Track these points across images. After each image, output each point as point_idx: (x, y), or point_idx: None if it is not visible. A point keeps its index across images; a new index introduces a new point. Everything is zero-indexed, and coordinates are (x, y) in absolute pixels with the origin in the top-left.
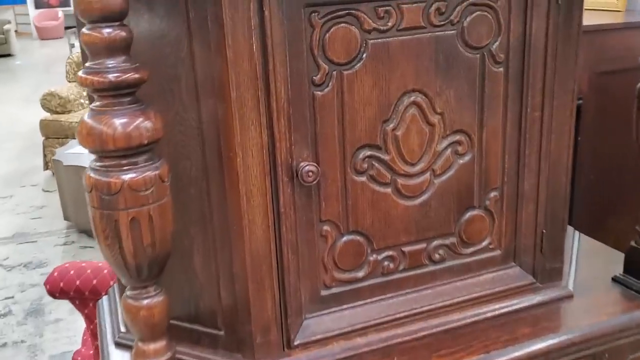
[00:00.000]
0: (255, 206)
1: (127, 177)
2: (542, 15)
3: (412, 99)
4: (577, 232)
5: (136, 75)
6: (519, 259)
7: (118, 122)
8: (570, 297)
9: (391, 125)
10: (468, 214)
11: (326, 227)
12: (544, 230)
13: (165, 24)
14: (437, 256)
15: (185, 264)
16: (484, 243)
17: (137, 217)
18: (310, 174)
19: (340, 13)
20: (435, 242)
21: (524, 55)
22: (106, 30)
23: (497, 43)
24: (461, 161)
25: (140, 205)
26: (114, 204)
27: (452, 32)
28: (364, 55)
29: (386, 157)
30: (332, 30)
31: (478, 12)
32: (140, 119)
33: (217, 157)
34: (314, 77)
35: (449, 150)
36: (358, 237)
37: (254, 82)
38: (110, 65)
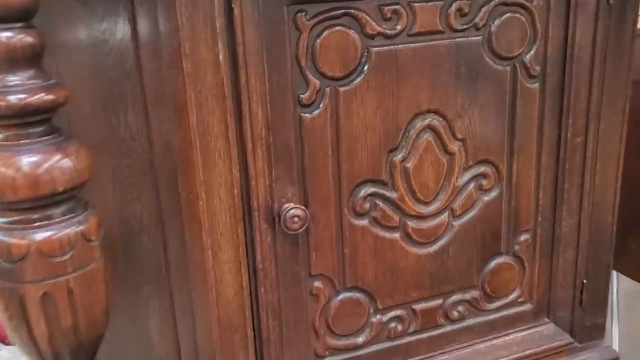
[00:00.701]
0: (224, 262)
1: (36, 237)
2: (588, 18)
3: (426, 122)
4: (614, 272)
5: (50, 97)
6: (553, 314)
7: (23, 161)
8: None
9: (400, 156)
10: (494, 262)
11: (317, 284)
12: (585, 281)
13: (105, 25)
14: (455, 314)
15: (138, 330)
16: (512, 296)
17: (51, 293)
18: (297, 219)
19: (335, 13)
20: (454, 297)
21: (565, 67)
22: (4, 35)
23: (532, 52)
24: (486, 198)
25: (56, 275)
26: (19, 275)
27: (477, 38)
28: (366, 67)
29: (393, 195)
30: (324, 34)
31: (509, 14)
32: (56, 157)
33: (174, 198)
34: (301, 95)
35: (471, 185)
36: (358, 295)
37: (221, 103)
38: (11, 83)
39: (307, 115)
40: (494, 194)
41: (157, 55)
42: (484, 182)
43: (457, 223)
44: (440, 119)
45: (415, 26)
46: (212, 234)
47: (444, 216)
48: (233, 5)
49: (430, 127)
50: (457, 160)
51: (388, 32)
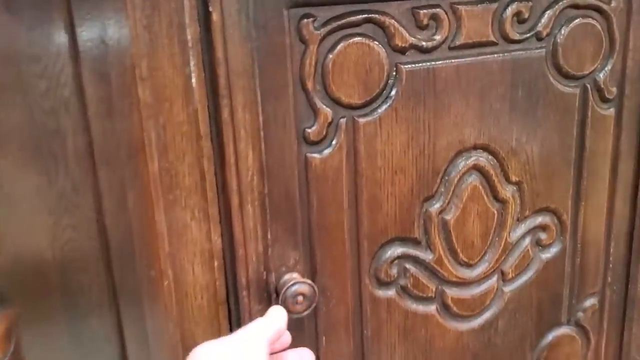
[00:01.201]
0: None
1: None
2: None
3: (472, 161)
4: None
5: None
6: None
7: None
8: None
9: (437, 206)
10: (552, 335)
11: None
12: None
13: (35, 36)
14: None
15: None
16: None
17: None
18: (301, 298)
19: (353, 19)
20: None
21: None
22: None
23: (608, 69)
24: (545, 256)
25: None
26: None
27: (539, 51)
28: (394, 91)
29: (429, 257)
30: (339, 48)
31: (579, 20)
32: None
33: (131, 274)
34: (308, 130)
35: (527, 241)
36: None
37: (194, 144)
38: None
39: (316, 155)
40: (554, 250)
41: (105, 78)
42: (543, 236)
43: (508, 289)
44: (490, 157)
45: (459, 36)
46: (183, 323)
47: (492, 281)
48: (210, 8)
49: (476, 168)
50: (510, 209)
51: (424, 44)
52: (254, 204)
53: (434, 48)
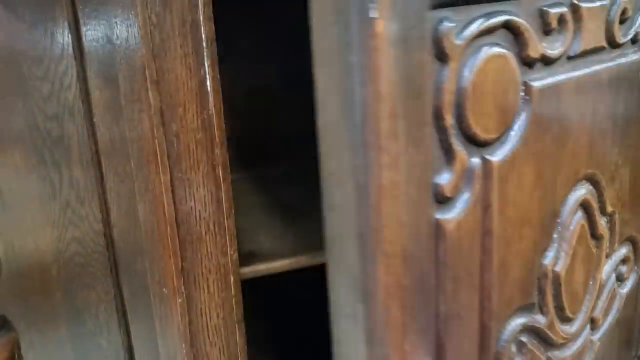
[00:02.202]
0: None
1: None
2: None
3: (579, 195)
4: None
5: None
6: None
7: None
8: None
9: (551, 257)
10: None
11: None
12: None
13: (38, 37)
14: None
15: None
16: None
17: None
18: None
19: (491, 23)
20: None
21: None
22: None
23: None
24: (623, 291)
25: None
26: None
27: (636, 56)
28: (523, 117)
29: (542, 322)
30: (478, 63)
31: None
32: None
33: (142, 291)
34: (440, 183)
35: (612, 278)
36: None
37: (209, 152)
38: None
39: (450, 217)
40: (630, 282)
41: (112, 81)
42: (624, 269)
43: (596, 337)
44: (591, 187)
45: (579, 42)
46: (198, 344)
47: (586, 332)
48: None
49: (583, 204)
50: (604, 245)
51: (549, 53)
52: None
53: (557, 59)
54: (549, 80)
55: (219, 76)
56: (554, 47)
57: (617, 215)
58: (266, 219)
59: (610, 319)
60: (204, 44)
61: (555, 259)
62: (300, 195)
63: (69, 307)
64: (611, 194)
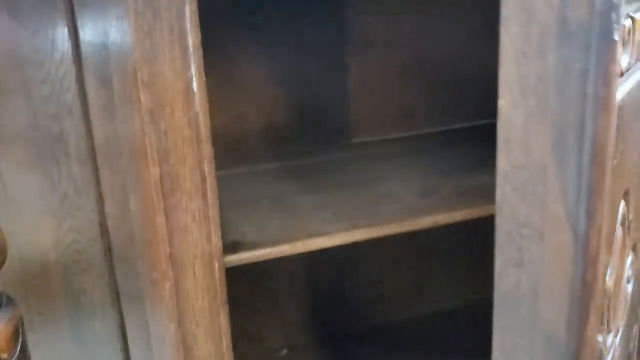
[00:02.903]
0: (202, 359)
1: None
2: None
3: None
4: None
5: None
6: None
7: None
8: None
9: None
10: None
11: None
12: None
13: (39, 43)
14: None
15: None
16: None
17: None
18: None
19: None
20: None
21: None
22: None
23: None
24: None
25: None
26: None
27: None
28: None
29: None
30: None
31: None
32: None
33: (134, 276)
34: None
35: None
36: None
37: (195, 148)
38: None
39: None
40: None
41: (107, 83)
42: (630, 272)
43: (617, 343)
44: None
45: None
46: (185, 325)
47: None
48: None
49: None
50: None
51: None
52: None
53: None
54: None
55: (204, 79)
56: None
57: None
58: (252, 211)
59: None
60: (191, 50)
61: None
62: (285, 191)
63: (67, 291)
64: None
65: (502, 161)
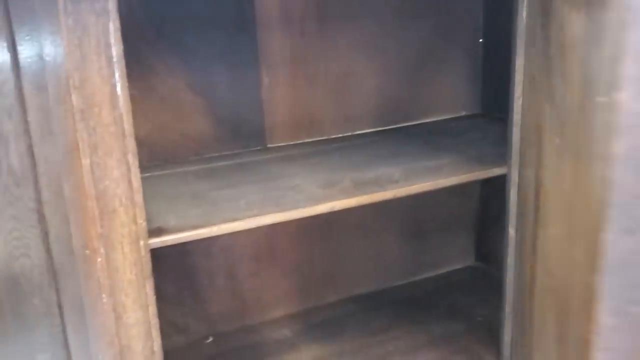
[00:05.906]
0: (130, 325)
1: None
2: None
3: None
4: None
5: None
6: None
7: None
8: None
9: None
10: None
11: None
12: None
13: None
14: None
15: None
16: None
17: None
18: None
19: None
20: None
21: None
22: None
23: None
24: None
25: None
26: None
27: None
28: None
29: None
30: None
31: None
32: None
33: (69, 255)
34: None
35: None
36: None
37: (120, 142)
38: None
39: None
40: None
41: (43, 88)
42: None
43: None
44: None
45: None
46: (115, 295)
47: None
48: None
49: None
50: None
51: None
52: None
53: None
54: None
55: (127, 83)
56: None
57: None
58: (175, 205)
59: None
60: (115, 59)
61: None
62: (203, 188)
63: (6, 274)
64: None
65: (619, 145)
